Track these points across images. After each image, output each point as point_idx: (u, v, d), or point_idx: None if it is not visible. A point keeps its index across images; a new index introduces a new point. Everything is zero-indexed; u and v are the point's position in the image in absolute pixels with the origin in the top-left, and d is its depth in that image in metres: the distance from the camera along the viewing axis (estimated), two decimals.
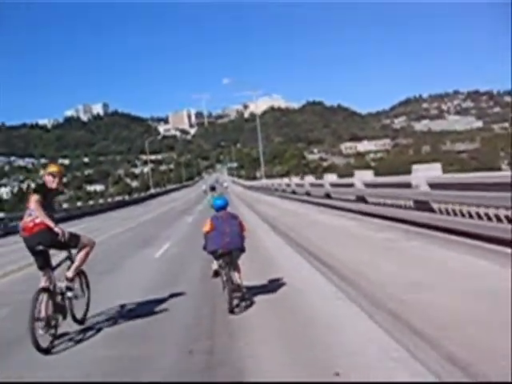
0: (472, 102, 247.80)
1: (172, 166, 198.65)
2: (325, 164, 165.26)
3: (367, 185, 13.47)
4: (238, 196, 46.49)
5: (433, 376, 4.07)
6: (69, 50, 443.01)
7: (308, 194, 22.61)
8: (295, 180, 28.72)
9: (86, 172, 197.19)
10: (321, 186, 19.58)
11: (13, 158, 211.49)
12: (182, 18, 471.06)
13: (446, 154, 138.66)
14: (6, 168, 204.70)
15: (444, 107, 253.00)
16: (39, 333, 5.45)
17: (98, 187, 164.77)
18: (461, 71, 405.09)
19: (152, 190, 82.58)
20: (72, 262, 6.28)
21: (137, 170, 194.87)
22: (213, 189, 55.81)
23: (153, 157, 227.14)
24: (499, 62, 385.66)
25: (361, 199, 13.82)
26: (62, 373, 4.92)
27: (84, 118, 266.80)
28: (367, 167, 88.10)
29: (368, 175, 13.97)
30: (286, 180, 33.68)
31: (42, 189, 6.07)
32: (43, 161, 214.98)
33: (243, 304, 6.87)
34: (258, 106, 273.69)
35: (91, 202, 43.94)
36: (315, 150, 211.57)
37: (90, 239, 6.44)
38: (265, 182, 41.20)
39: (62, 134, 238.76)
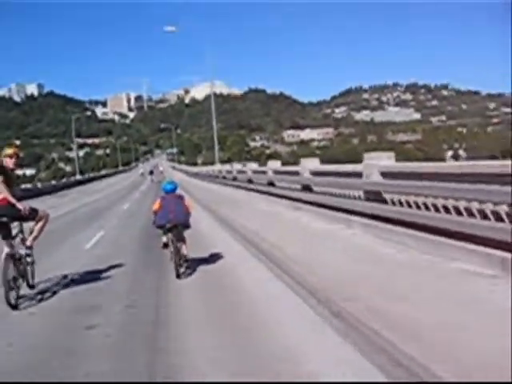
0: (411, 94, 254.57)
1: (109, 151, 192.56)
2: (268, 151, 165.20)
3: (314, 173, 12.66)
4: (183, 188, 29.91)
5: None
6: (2, 26, 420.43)
7: (250, 181, 21.67)
8: (237, 166, 27.71)
9: None
10: (264, 173, 18.65)
11: None
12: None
13: (391, 144, 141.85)
14: None
15: (384, 99, 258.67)
16: (8, 292, 6.47)
17: (28, 171, 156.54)
18: (400, 64, 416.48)
19: (78, 176, 72.34)
20: (23, 234, 7.25)
21: (71, 154, 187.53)
22: (151, 173, 57.82)
23: (89, 140, 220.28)
24: (438, 55, 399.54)
25: (306, 188, 13.01)
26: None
27: (17, 98, 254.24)
28: (313, 155, 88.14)
29: (315, 163, 13.17)
30: (227, 167, 32.62)
31: (3, 170, 6.72)
32: None
33: (187, 271, 8.01)
34: (198, 91, 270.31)
35: None
36: (257, 138, 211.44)
37: (46, 213, 7.35)
38: (220, 168, 34.40)
39: None
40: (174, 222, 7.79)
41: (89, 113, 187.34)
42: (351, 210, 10.07)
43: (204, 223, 13.49)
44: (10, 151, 6.99)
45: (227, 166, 33.06)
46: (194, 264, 8.33)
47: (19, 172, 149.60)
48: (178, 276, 7.72)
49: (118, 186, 50.69)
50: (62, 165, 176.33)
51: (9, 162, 6.89)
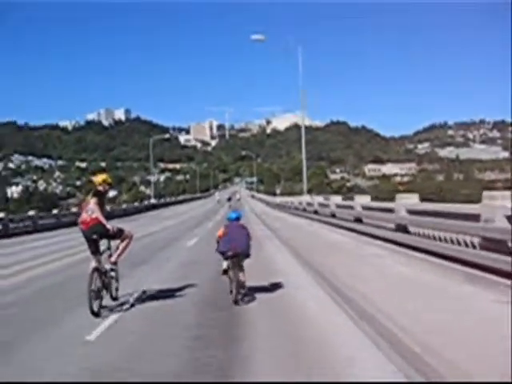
0: (498, 131, 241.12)
1: (188, 177, 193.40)
2: (348, 184, 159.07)
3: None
4: (267, 225, 25.67)
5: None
6: (95, 53, 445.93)
7: (359, 220, 16.65)
8: (336, 200, 22.71)
9: None
10: (388, 210, 13.52)
11: (30, 158, 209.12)
12: (211, 32, 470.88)
13: (479, 183, 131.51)
14: (23, 167, 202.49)
15: (470, 135, 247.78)
16: (92, 301, 7.26)
17: (111, 193, 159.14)
18: (487, 100, 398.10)
19: (152, 200, 70.41)
20: (110, 250, 8.12)
21: (152, 178, 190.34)
22: (229, 199, 62.63)
23: (171, 165, 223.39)
24: None
25: (493, 245, 7.85)
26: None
27: (105, 122, 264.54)
28: (397, 191, 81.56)
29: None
30: (319, 198, 27.81)
31: (97, 193, 7.77)
32: (60, 162, 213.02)
33: (246, 299, 7.98)
34: (281, 122, 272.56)
35: (31, 213, 30.92)
36: (337, 170, 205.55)
37: (130, 233, 8.16)
38: (308, 199, 29.53)
39: (81, 137, 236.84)
40: (235, 251, 7.89)
41: (167, 135, 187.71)
42: None
43: (309, 298, 8.39)
44: (108, 179, 8.01)
45: (319, 198, 28.17)
46: None
47: None
48: (236, 302, 7.75)
49: (191, 213, 46.88)
50: (142, 188, 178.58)
51: (103, 187, 7.88)
